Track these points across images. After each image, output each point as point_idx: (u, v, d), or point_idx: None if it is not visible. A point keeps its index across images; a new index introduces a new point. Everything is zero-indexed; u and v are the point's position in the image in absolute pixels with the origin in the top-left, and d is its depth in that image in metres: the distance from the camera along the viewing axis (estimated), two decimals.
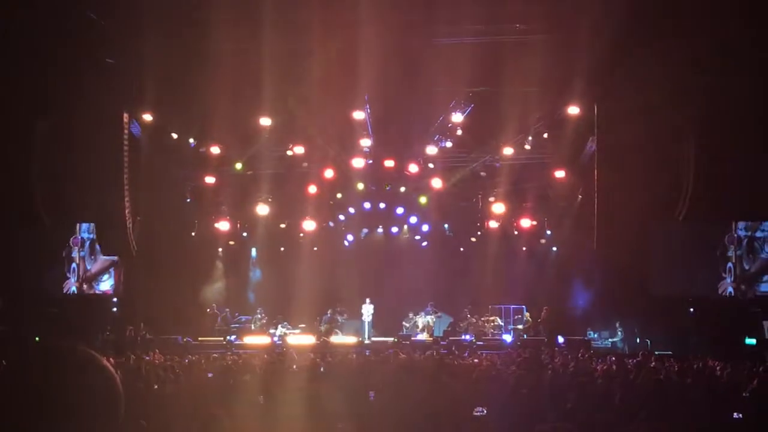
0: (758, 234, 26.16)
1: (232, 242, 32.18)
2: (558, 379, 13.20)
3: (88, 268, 28.93)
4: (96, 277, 28.99)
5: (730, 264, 26.30)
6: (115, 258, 28.87)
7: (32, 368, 2.26)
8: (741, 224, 26.28)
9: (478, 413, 9.29)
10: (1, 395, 2.22)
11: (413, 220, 32.38)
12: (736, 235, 26.25)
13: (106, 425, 2.28)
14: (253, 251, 32.79)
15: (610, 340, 27.86)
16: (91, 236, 29.05)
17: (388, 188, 31.51)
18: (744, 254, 26.18)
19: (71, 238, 28.78)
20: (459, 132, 29.13)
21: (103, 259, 29.05)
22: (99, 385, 2.30)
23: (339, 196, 31.58)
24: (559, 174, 29.12)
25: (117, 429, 2.31)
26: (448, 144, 29.79)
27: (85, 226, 29.01)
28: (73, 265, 28.81)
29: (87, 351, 2.34)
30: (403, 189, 31.44)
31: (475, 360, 19.69)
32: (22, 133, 26.29)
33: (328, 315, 29.87)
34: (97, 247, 29.02)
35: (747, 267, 26.34)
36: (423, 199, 31.10)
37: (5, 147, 25.39)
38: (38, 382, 2.23)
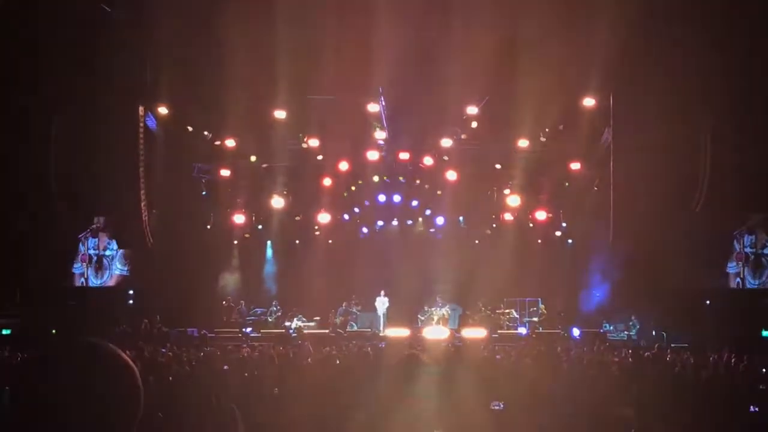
0: (765, 251, 26.02)
1: (247, 235, 32.21)
2: (573, 372, 13.16)
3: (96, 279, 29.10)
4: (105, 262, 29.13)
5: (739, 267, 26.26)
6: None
7: (57, 363, 2.27)
8: (747, 240, 26.13)
9: (495, 407, 9.27)
10: (27, 390, 2.23)
11: (428, 212, 32.35)
12: (743, 253, 26.14)
13: (127, 419, 2.29)
14: (269, 244, 32.81)
15: (625, 332, 27.75)
16: (98, 252, 29.15)
17: (402, 180, 31.51)
18: (750, 270, 26.07)
19: (87, 231, 28.85)
20: (474, 124, 29.08)
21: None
22: (121, 380, 2.31)
23: (354, 188, 31.59)
24: (575, 166, 29.04)
25: (136, 423, 2.32)
26: (464, 136, 29.75)
27: (91, 242, 29.06)
28: (90, 256, 28.92)
29: (108, 346, 2.35)
30: (417, 182, 31.43)
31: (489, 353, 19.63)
32: (40, 128, 26.39)
33: (343, 307, 29.88)
34: (109, 251, 29.14)
35: (754, 283, 26.29)
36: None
37: (23, 141, 25.52)
38: (63, 376, 2.23)
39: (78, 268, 28.93)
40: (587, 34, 23.82)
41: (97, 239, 29.12)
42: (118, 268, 29.29)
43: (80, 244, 28.86)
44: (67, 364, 2.26)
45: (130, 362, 2.36)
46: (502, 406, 9.30)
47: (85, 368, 2.26)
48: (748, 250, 26.06)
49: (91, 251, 29.00)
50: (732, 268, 26.43)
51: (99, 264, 28.98)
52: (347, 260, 30.91)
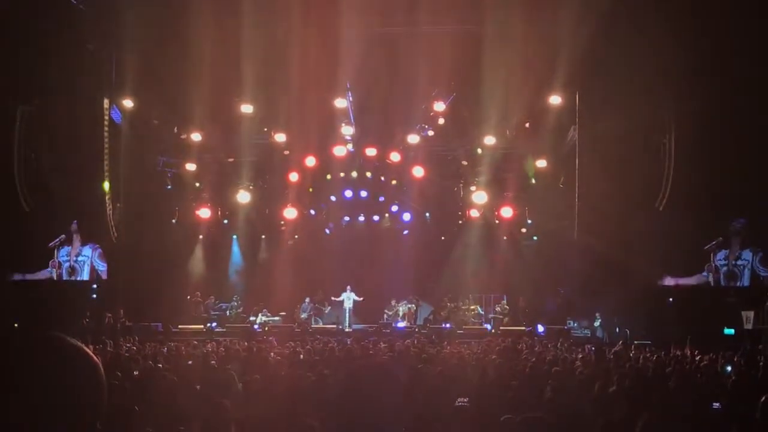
0: (739, 262, 26.27)
1: (212, 229, 32.05)
2: (537, 369, 13.23)
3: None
4: (75, 266, 28.75)
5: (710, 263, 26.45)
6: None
7: (15, 357, 2.23)
8: (720, 254, 26.37)
9: (461, 403, 9.27)
10: None
11: (395, 208, 32.38)
12: (714, 265, 26.38)
13: (91, 414, 2.25)
14: (234, 238, 32.68)
15: (589, 329, 27.94)
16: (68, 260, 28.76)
17: (369, 176, 31.50)
18: (724, 281, 26.33)
19: (58, 240, 28.44)
20: (441, 121, 29.15)
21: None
22: (83, 374, 2.27)
23: (320, 184, 31.54)
24: (541, 163, 29.18)
25: (101, 417, 2.28)
26: (430, 133, 29.79)
27: (64, 250, 28.67)
28: (57, 252, 28.56)
29: (69, 339, 2.31)
30: (383, 178, 31.45)
31: (455, 349, 19.71)
32: (3, 120, 26.10)
33: (306, 303, 29.88)
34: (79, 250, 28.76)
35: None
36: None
37: None
38: (21, 371, 2.19)
39: (47, 272, 28.51)
40: (554, 31, 23.97)
41: (70, 247, 28.72)
42: (96, 267, 28.84)
43: (54, 250, 28.41)
44: (27, 358, 2.22)
45: (92, 355, 2.33)
46: (467, 401, 9.32)
47: (44, 362, 2.22)
48: (720, 262, 26.29)
49: (63, 258, 28.58)
50: (704, 275, 26.67)
51: (72, 270, 28.62)
52: (313, 255, 30.90)
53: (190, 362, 15.56)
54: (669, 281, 26.69)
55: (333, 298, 30.18)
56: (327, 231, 32.90)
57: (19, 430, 2.15)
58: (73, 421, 2.21)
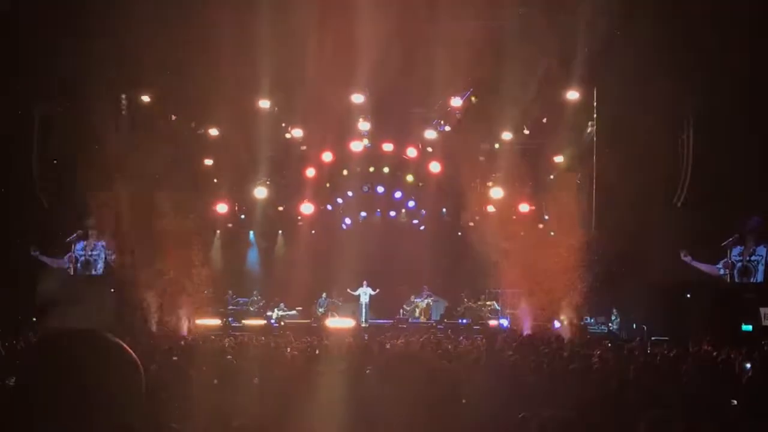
0: (753, 258, 26.11)
1: (230, 225, 32.13)
2: (553, 365, 13.20)
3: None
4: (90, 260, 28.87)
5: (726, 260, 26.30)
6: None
7: (61, 355, 2.25)
8: (735, 251, 26.20)
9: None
10: (25, 382, 2.22)
11: (411, 203, 32.39)
12: (730, 261, 26.22)
13: (130, 412, 2.27)
14: (251, 234, 32.76)
15: (606, 325, 27.86)
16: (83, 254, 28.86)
17: (386, 171, 31.53)
18: (738, 277, 26.17)
19: (75, 235, 28.56)
20: (458, 116, 29.12)
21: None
22: (126, 373, 2.30)
23: (337, 179, 31.59)
24: (558, 159, 29.10)
25: (138, 411, 2.30)
26: (447, 128, 29.77)
27: (80, 244, 28.78)
28: (74, 247, 28.69)
29: (112, 337, 2.34)
30: (398, 173, 31.49)
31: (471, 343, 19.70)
32: (22, 118, 26.21)
33: (323, 298, 29.95)
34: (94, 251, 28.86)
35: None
36: (410, 178, 31.12)
37: (6, 131, 25.31)
38: (67, 369, 2.21)
39: (65, 262, 28.68)
40: (572, 26, 23.88)
41: (85, 242, 28.85)
42: (108, 262, 28.98)
43: (73, 245, 28.57)
44: (73, 356, 2.24)
45: (133, 355, 2.36)
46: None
47: (90, 361, 2.24)
48: (736, 258, 26.13)
49: (79, 252, 28.73)
50: (720, 269, 26.50)
51: (86, 264, 28.75)
52: (330, 251, 30.93)
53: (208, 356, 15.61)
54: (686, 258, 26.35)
55: (349, 291, 30.24)
56: (344, 226, 32.96)
57: (63, 428, 2.17)
58: (114, 419, 2.23)
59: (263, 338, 20.35)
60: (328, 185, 31.76)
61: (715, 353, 16.17)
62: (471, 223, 31.89)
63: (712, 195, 24.84)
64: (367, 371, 10.75)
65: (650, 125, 25.02)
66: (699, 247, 26.26)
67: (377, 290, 29.89)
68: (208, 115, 28.58)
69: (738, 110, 23.66)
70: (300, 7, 23.67)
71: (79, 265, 28.64)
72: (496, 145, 29.80)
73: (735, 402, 9.85)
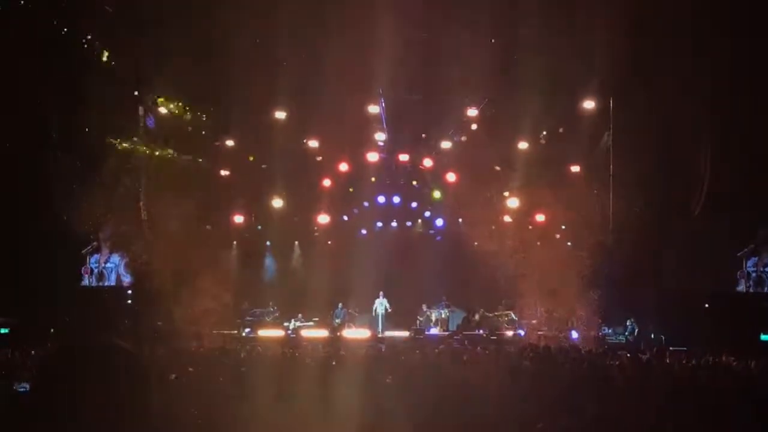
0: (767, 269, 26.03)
1: (247, 235, 32.18)
2: (571, 375, 13.17)
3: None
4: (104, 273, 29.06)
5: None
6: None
7: (82, 363, 2.28)
8: (750, 261, 26.11)
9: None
10: (43, 390, 2.24)
11: (427, 214, 32.39)
12: (746, 271, 26.13)
13: (141, 413, 2.30)
14: (268, 244, 32.81)
15: (624, 335, 27.74)
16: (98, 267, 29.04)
17: (402, 182, 31.56)
18: (753, 287, 26.08)
19: (90, 247, 28.74)
20: (474, 127, 29.11)
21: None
22: (139, 381, 2.33)
23: (353, 190, 31.62)
24: (575, 168, 29.03)
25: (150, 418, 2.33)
26: (463, 139, 29.76)
27: (95, 257, 28.97)
28: (89, 259, 28.87)
29: (127, 347, 2.37)
30: (414, 183, 31.50)
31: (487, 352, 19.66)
32: (41, 128, 26.34)
33: (339, 308, 29.95)
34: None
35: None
36: (437, 194, 31.14)
37: (23, 143, 25.46)
38: (88, 377, 2.24)
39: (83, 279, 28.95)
40: (589, 37, 23.85)
41: (99, 254, 29.03)
42: (121, 277, 29.16)
43: (87, 257, 28.80)
44: (92, 364, 2.27)
45: (147, 364, 2.39)
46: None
47: (108, 369, 2.27)
48: (751, 269, 26.04)
49: (93, 265, 28.93)
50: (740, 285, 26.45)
51: (100, 276, 28.93)
52: (346, 261, 30.89)
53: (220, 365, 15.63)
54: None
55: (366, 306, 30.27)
56: (360, 237, 32.96)
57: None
58: (128, 417, 2.26)
59: (280, 349, 20.35)
60: (345, 196, 31.75)
61: (734, 363, 16.08)
62: (487, 233, 31.84)
63: (730, 205, 24.76)
64: (388, 381, 10.76)
65: (667, 135, 24.96)
66: (715, 258, 26.17)
67: (391, 309, 29.97)
68: (224, 126, 28.68)
69: (757, 120, 23.59)
70: (316, 19, 23.76)
71: (93, 277, 28.80)
72: (512, 155, 29.75)
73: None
